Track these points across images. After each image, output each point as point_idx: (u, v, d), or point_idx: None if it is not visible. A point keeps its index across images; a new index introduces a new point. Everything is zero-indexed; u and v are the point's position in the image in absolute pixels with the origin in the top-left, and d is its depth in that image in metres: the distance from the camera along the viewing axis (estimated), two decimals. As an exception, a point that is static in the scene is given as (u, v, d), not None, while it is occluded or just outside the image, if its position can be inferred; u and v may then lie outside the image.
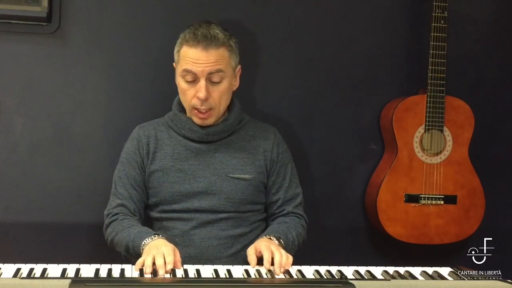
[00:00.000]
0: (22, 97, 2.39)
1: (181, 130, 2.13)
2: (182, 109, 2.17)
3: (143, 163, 2.13)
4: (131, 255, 1.94)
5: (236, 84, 2.15)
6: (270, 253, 1.83)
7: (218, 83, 2.05)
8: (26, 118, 2.40)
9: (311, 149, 2.59)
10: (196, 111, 2.06)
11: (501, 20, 2.71)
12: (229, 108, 2.16)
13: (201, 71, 2.01)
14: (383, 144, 2.61)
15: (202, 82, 2.02)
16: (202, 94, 2.01)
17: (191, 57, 2.02)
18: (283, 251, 1.86)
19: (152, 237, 1.89)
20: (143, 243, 1.87)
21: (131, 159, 2.13)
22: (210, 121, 2.09)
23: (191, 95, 2.05)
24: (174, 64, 2.15)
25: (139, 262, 1.77)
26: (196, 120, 2.09)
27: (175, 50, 2.10)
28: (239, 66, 2.14)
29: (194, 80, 2.03)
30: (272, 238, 1.97)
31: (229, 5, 2.50)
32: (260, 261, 1.87)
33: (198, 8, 2.46)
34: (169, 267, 1.74)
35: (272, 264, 1.82)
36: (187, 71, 2.02)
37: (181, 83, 2.07)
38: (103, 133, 2.45)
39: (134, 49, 2.45)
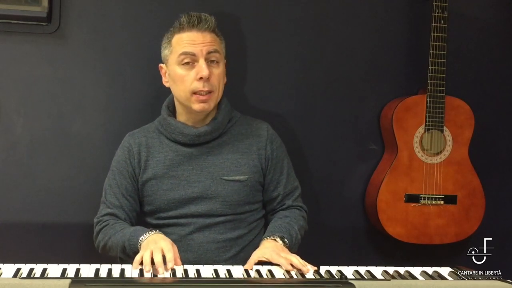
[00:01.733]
0: (22, 97, 2.39)
1: (171, 134, 2.10)
2: (172, 113, 2.15)
3: (134, 172, 2.11)
4: (128, 256, 1.93)
5: (225, 77, 2.12)
6: (286, 260, 1.82)
7: (216, 63, 2.04)
8: (26, 118, 2.39)
9: (311, 149, 2.59)
10: (196, 96, 2.02)
11: (501, 20, 2.71)
12: (218, 106, 2.13)
13: (199, 51, 2.01)
14: (383, 144, 2.61)
15: (202, 61, 2.01)
16: (205, 72, 1.99)
17: (188, 40, 2.02)
18: (293, 255, 1.85)
19: (149, 232, 1.88)
20: (140, 239, 1.87)
21: (122, 169, 2.11)
22: (210, 105, 2.05)
23: (190, 79, 2.02)
24: (161, 64, 2.14)
25: (137, 258, 1.76)
26: (196, 106, 2.03)
27: (164, 46, 2.10)
28: (225, 61, 2.14)
29: (192, 63, 2.02)
30: (276, 239, 1.97)
31: (231, 4, 2.49)
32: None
33: (198, 8, 2.45)
34: (170, 265, 1.74)
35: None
36: (185, 53, 2.01)
37: (177, 70, 2.04)
38: (103, 133, 2.45)
39: (134, 49, 2.45)
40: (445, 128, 2.50)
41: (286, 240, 1.98)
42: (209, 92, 2.02)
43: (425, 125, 2.48)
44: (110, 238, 1.99)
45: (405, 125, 2.48)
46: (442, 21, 2.43)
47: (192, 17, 2.04)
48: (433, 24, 2.43)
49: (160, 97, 2.42)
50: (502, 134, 2.73)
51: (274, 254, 1.85)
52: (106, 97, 2.45)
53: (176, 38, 2.05)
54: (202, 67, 2.00)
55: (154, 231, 1.90)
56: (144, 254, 1.76)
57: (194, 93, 2.02)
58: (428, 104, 2.46)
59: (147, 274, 1.71)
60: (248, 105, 2.50)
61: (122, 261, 1.97)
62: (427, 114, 2.47)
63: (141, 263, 1.76)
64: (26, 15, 2.31)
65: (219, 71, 2.05)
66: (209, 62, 2.03)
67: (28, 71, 2.39)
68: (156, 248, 1.77)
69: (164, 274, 1.71)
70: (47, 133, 2.41)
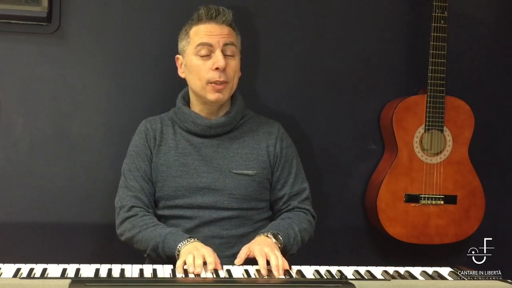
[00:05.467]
0: (22, 97, 2.39)
1: (184, 123, 2.13)
2: (186, 103, 2.18)
3: (152, 155, 2.13)
4: (158, 256, 1.94)
5: (239, 70, 2.15)
6: (264, 259, 1.81)
7: (231, 57, 2.08)
8: (26, 118, 2.40)
9: (311, 149, 2.59)
10: (211, 85, 2.06)
11: (501, 20, 2.71)
12: (232, 102, 2.17)
13: (217, 42, 2.05)
14: (383, 144, 2.61)
15: (219, 52, 2.05)
16: (221, 62, 2.03)
17: (206, 31, 2.07)
18: (278, 253, 1.85)
19: (188, 239, 1.89)
20: (178, 246, 1.87)
21: (141, 152, 2.13)
22: (225, 96, 2.08)
23: (206, 69, 2.05)
24: (177, 56, 2.15)
25: (179, 264, 1.77)
26: (211, 96, 2.07)
27: (182, 37, 2.13)
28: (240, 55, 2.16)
29: (209, 55, 2.05)
30: (269, 235, 1.96)
31: (232, 4, 2.49)
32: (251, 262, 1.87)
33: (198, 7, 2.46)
34: (211, 267, 1.76)
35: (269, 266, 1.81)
36: (202, 44, 2.05)
37: (194, 60, 2.07)
38: (103, 133, 2.45)
39: (134, 49, 2.45)
40: (445, 128, 2.50)
41: (280, 237, 1.97)
42: (224, 82, 2.06)
43: (425, 125, 2.48)
44: (140, 232, 1.99)
45: (405, 125, 2.48)
46: (442, 21, 2.43)
47: (211, 9, 2.09)
48: (433, 24, 2.43)
49: (161, 96, 2.43)
50: (502, 134, 2.73)
51: (257, 250, 1.85)
52: (106, 97, 2.45)
53: (194, 29, 2.09)
54: (218, 58, 2.04)
55: (193, 238, 1.90)
56: (187, 257, 1.78)
57: (210, 82, 2.06)
58: (428, 104, 2.46)
59: (191, 274, 1.72)
60: (249, 103, 2.50)
61: (149, 258, 1.99)
62: (427, 114, 2.47)
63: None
64: (26, 15, 2.31)
65: (234, 63, 2.09)
66: (225, 54, 2.07)
67: (28, 71, 2.39)
68: (198, 254, 1.79)
69: (206, 274, 1.74)
70: (47, 133, 2.41)
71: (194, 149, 2.12)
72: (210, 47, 2.05)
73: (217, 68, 2.04)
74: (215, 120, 2.12)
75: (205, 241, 2.03)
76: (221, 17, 2.08)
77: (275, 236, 1.96)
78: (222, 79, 2.05)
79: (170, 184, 2.09)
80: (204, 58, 2.06)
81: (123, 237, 2.05)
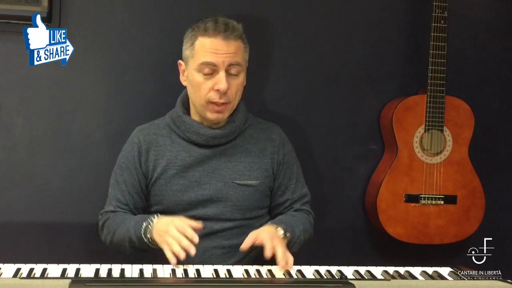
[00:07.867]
0: (22, 97, 2.39)
1: (185, 133, 2.06)
2: (186, 111, 2.10)
3: (142, 170, 2.06)
4: (140, 250, 1.92)
5: (244, 81, 2.07)
6: (272, 243, 1.82)
7: (235, 76, 1.99)
8: (26, 118, 2.39)
9: (311, 149, 2.59)
10: (211, 105, 1.98)
11: (501, 20, 2.71)
12: (235, 109, 2.09)
13: (221, 62, 1.94)
14: (383, 144, 2.61)
15: (222, 74, 1.94)
16: (223, 85, 1.93)
17: (211, 48, 1.95)
18: (285, 248, 1.85)
19: (149, 220, 1.88)
20: (142, 231, 1.87)
21: (130, 165, 2.06)
22: (225, 115, 2.01)
23: (207, 88, 1.97)
24: (180, 61, 2.07)
25: (170, 255, 1.77)
26: (210, 115, 2.00)
27: (186, 45, 2.02)
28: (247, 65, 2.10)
29: (212, 73, 1.96)
30: (278, 228, 1.94)
31: (231, 5, 2.50)
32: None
33: (198, 8, 2.46)
34: (193, 251, 1.76)
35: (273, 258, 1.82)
36: (206, 63, 1.95)
37: (196, 77, 1.98)
38: (103, 133, 2.45)
39: (134, 49, 2.45)
40: (445, 128, 2.50)
41: (287, 233, 1.95)
42: (225, 103, 1.99)
43: (425, 125, 2.48)
44: (114, 234, 1.98)
45: (405, 125, 2.49)
46: (442, 21, 2.43)
47: (219, 24, 1.96)
48: (433, 24, 2.43)
49: (161, 96, 2.43)
50: (502, 134, 2.73)
51: (267, 237, 1.85)
52: (106, 97, 2.45)
53: (200, 42, 1.97)
54: (221, 80, 1.94)
55: (152, 218, 1.89)
56: (172, 245, 1.77)
57: (210, 102, 1.98)
58: (428, 104, 2.46)
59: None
60: (247, 105, 2.50)
61: (135, 251, 1.96)
62: (427, 114, 2.47)
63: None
64: (26, 15, 2.31)
65: (237, 82, 2.00)
66: (229, 73, 1.98)
67: (28, 71, 2.38)
68: (174, 234, 1.78)
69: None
70: (47, 133, 2.41)
71: (195, 160, 2.05)
72: (214, 67, 1.95)
73: (218, 90, 1.95)
74: (219, 130, 2.05)
75: (206, 251, 2.02)
76: (229, 33, 1.95)
77: (285, 231, 1.95)
78: (222, 100, 1.97)
79: (170, 198, 2.04)
80: (206, 77, 1.96)
81: (107, 244, 2.05)
